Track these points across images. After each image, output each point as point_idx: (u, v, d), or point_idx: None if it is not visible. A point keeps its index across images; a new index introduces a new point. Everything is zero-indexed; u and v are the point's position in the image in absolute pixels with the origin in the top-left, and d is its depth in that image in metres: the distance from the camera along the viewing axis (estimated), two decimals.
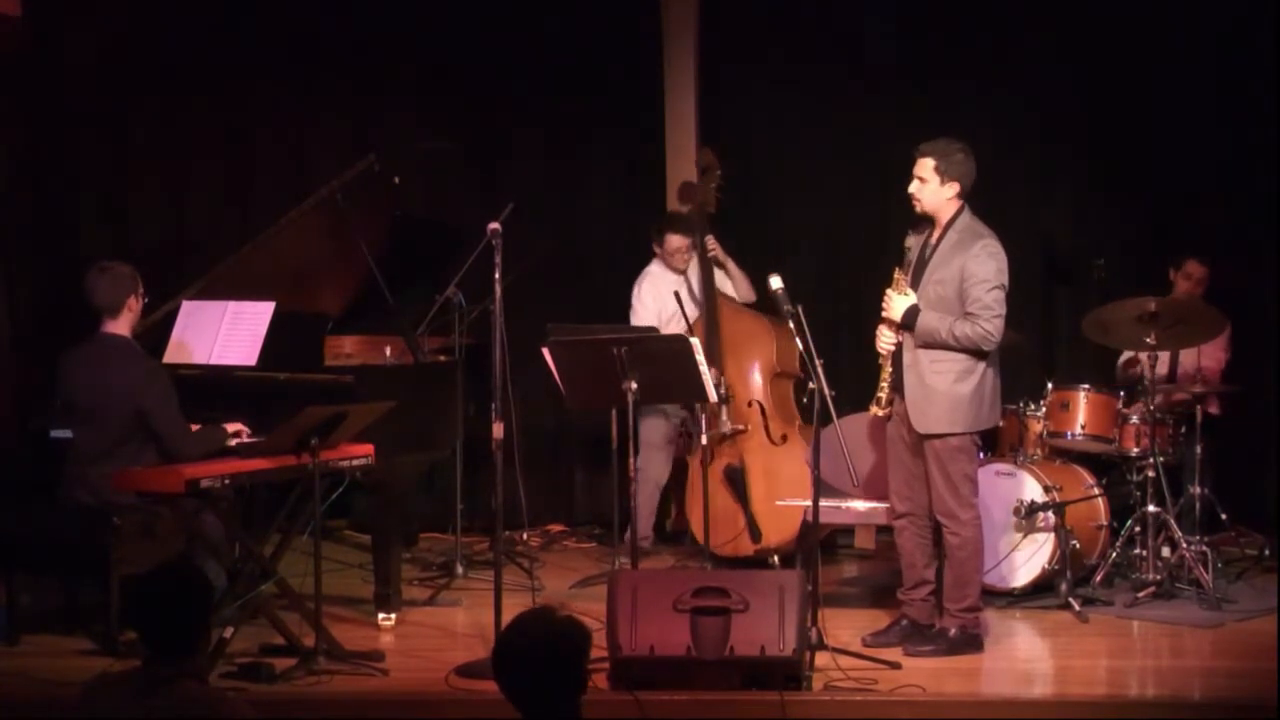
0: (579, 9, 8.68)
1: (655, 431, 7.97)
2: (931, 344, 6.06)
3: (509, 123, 8.80)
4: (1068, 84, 8.39)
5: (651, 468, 7.93)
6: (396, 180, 7.19)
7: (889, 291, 6.15)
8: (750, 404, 7.64)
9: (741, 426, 7.63)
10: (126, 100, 8.53)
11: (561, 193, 8.76)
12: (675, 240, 7.95)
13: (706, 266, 7.87)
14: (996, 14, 8.36)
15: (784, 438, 7.58)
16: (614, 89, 8.76)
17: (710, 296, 7.81)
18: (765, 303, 7.34)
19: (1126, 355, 7.95)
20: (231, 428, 6.28)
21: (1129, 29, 8.24)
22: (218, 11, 8.49)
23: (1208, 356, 7.73)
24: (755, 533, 7.54)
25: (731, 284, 7.97)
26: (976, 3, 8.39)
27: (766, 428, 7.61)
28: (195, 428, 6.27)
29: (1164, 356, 7.70)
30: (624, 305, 8.09)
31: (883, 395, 6.18)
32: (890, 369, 6.17)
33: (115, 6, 8.40)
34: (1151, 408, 7.09)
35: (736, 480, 7.59)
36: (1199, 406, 7.39)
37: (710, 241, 7.89)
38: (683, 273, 7.99)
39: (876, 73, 8.50)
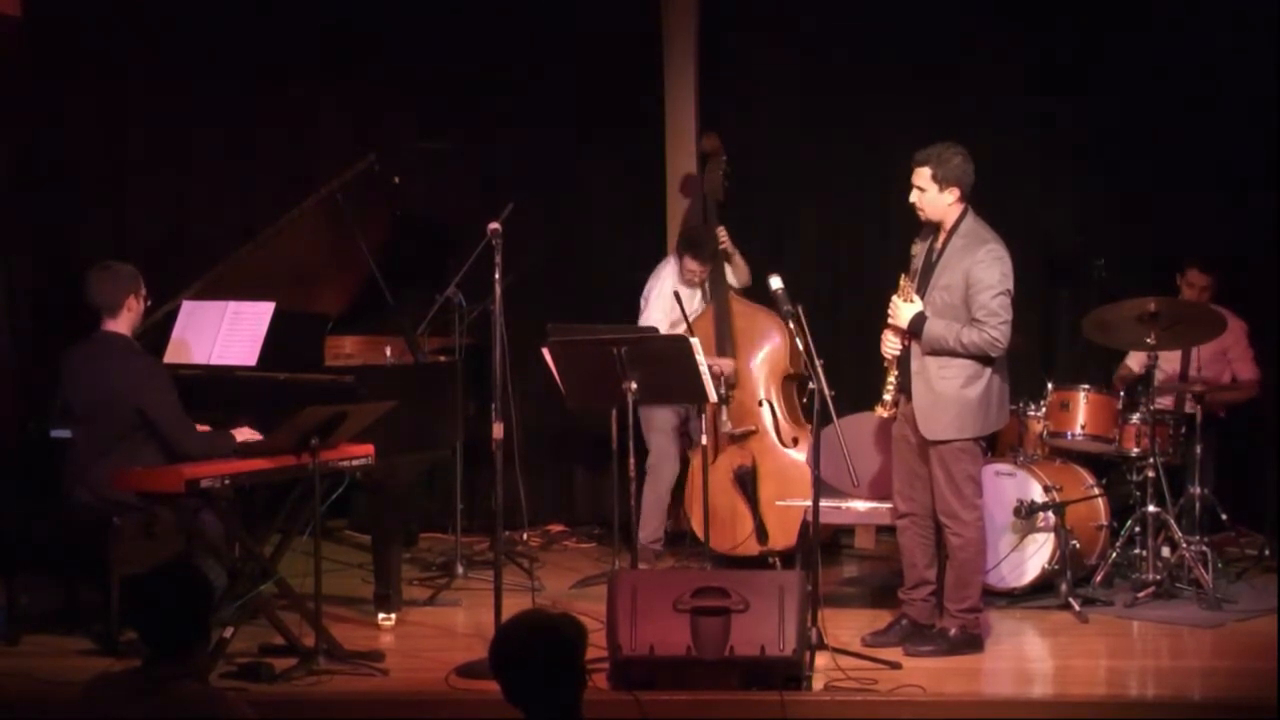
0: (579, 8, 8.68)
1: (666, 430, 7.92)
2: (939, 351, 6.05)
3: (509, 123, 8.79)
4: (1068, 84, 8.37)
5: (664, 467, 7.85)
6: (396, 180, 7.19)
7: (895, 298, 6.13)
8: (760, 403, 7.60)
9: (752, 427, 7.59)
10: (126, 100, 8.52)
11: (561, 193, 8.75)
12: (691, 264, 7.72)
13: (717, 260, 7.74)
14: (997, 14, 8.35)
15: (795, 441, 7.53)
16: (614, 89, 8.75)
17: (721, 291, 7.73)
18: (761, 291, 7.30)
19: (1126, 365, 7.94)
20: (240, 434, 6.25)
21: (1129, 28, 8.24)
22: (218, 11, 8.49)
23: (1239, 362, 7.72)
24: (763, 535, 7.52)
25: (732, 271, 7.82)
26: (977, 2, 8.38)
27: (777, 429, 7.57)
28: (203, 429, 6.25)
29: (1176, 357, 7.68)
30: (624, 305, 8.06)
31: (888, 396, 6.18)
32: (897, 371, 6.17)
33: (115, 6, 8.40)
34: (1150, 407, 7.10)
35: (746, 482, 7.57)
36: (1199, 407, 7.38)
37: (721, 233, 7.75)
38: (697, 286, 7.81)
39: (877, 72, 8.48)
